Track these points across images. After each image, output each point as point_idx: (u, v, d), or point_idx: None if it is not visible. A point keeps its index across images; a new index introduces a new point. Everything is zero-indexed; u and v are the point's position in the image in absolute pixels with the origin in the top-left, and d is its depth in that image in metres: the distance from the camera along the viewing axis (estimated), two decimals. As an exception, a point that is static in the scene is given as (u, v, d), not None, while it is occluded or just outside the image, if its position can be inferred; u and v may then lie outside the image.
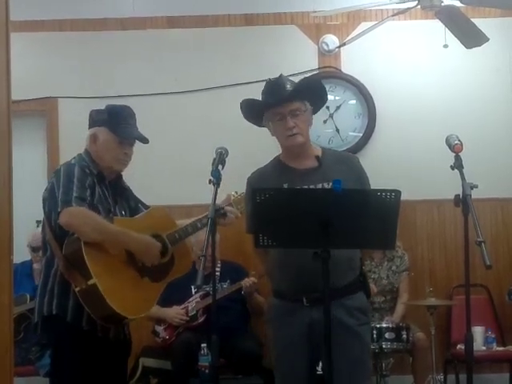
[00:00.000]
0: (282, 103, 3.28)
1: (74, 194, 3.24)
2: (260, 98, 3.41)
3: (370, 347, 3.42)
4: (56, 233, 3.31)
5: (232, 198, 3.68)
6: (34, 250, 5.55)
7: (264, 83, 3.40)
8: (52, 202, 3.30)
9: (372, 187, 3.35)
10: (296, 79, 3.43)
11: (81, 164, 3.39)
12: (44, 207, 3.39)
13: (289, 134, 3.30)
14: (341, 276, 3.19)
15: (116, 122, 3.46)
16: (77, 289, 3.21)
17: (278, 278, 3.35)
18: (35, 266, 5.53)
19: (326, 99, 3.52)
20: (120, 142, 3.46)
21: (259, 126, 3.48)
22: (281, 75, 3.41)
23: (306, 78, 3.65)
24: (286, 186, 3.26)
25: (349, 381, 3.10)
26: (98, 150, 3.46)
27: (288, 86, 3.33)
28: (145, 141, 3.52)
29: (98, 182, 3.41)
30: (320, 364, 3.33)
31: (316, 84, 3.55)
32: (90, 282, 3.16)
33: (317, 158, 3.35)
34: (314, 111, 3.45)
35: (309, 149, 3.40)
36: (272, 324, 3.40)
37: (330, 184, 3.19)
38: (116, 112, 3.52)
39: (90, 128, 3.53)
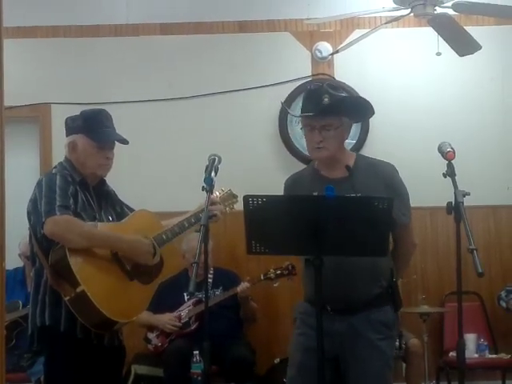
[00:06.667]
0: (314, 117, 3.23)
1: (57, 203, 3.20)
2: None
3: (391, 362, 3.32)
4: (42, 245, 3.28)
5: (219, 194, 3.72)
6: (28, 258, 5.51)
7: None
8: (35, 215, 3.27)
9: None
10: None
11: (62, 172, 3.36)
12: (29, 219, 3.35)
13: (315, 146, 3.28)
14: (363, 287, 3.18)
15: (93, 128, 3.42)
16: (66, 298, 3.19)
17: (309, 286, 3.24)
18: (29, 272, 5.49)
19: (370, 114, 3.39)
20: (100, 147, 3.42)
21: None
22: (322, 85, 3.31)
23: (349, 96, 3.51)
24: (316, 193, 3.22)
25: None
26: (78, 157, 3.43)
27: (326, 99, 3.23)
28: (125, 142, 3.49)
29: (81, 189, 3.38)
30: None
31: (358, 101, 3.46)
32: (79, 290, 3.14)
33: (347, 167, 3.30)
34: (356, 121, 3.46)
35: (340, 158, 3.33)
36: (296, 323, 3.35)
37: (359, 195, 3.17)
38: (91, 117, 3.47)
39: (67, 136, 3.49)
